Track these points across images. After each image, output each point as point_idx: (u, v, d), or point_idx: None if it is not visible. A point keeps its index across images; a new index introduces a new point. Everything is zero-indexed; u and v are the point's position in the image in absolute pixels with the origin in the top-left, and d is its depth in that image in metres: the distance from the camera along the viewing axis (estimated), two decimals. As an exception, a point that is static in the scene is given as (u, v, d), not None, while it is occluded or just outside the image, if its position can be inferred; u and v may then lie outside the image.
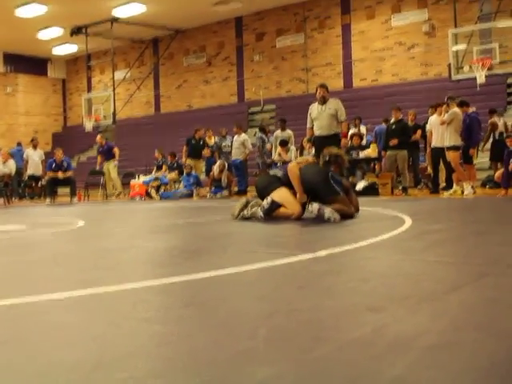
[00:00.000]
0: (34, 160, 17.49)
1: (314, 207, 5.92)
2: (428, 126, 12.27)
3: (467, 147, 11.38)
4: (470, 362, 1.64)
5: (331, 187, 6.27)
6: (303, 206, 6.36)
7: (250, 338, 1.92)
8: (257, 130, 17.43)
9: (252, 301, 2.51)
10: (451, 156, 11.17)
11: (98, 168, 17.71)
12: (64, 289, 2.89)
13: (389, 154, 12.42)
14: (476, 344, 1.78)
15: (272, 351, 1.78)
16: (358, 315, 2.18)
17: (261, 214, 6.22)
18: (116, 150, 17.34)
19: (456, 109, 11.23)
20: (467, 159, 11.48)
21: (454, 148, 11.14)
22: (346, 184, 6.70)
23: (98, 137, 18.17)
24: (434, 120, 11.93)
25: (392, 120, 12.79)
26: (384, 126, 13.90)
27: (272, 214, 6.26)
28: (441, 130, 11.48)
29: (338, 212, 5.98)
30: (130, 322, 2.21)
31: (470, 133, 11.41)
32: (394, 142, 12.23)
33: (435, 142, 11.81)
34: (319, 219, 6.02)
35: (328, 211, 5.87)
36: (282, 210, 6.33)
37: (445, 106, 11.26)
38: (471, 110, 11.79)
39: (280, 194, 6.40)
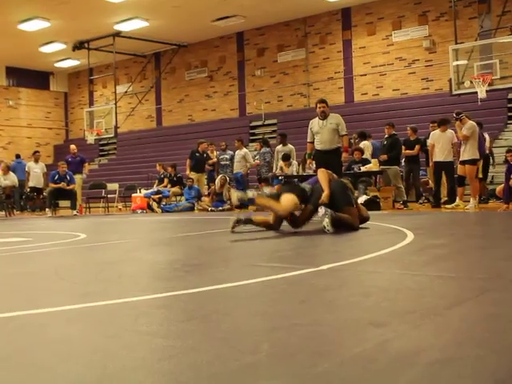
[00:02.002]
0: (36, 172, 17.45)
1: (322, 210, 6.21)
2: (430, 141, 12.28)
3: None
4: (472, 378, 1.63)
5: (347, 197, 6.65)
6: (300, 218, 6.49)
7: (252, 352, 1.91)
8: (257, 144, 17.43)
9: (254, 315, 2.51)
10: (468, 170, 11.14)
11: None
12: (66, 301, 2.88)
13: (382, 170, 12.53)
14: (478, 360, 1.78)
15: (274, 366, 1.77)
16: (360, 330, 2.17)
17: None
18: (86, 165, 17.15)
19: (473, 122, 11.28)
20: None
21: (472, 162, 11.14)
22: (354, 197, 7.19)
23: (73, 146, 17.83)
24: (437, 135, 11.95)
25: (385, 136, 12.90)
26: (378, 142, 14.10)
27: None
28: (444, 144, 11.58)
29: (346, 221, 6.33)
30: (131, 335, 2.21)
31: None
32: (383, 157, 12.48)
33: (438, 156, 11.83)
34: (320, 232, 6.09)
35: (327, 221, 6.11)
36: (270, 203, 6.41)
37: (458, 122, 11.28)
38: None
39: (286, 197, 6.43)
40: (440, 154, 11.79)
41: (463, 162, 11.23)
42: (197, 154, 15.86)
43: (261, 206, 6.35)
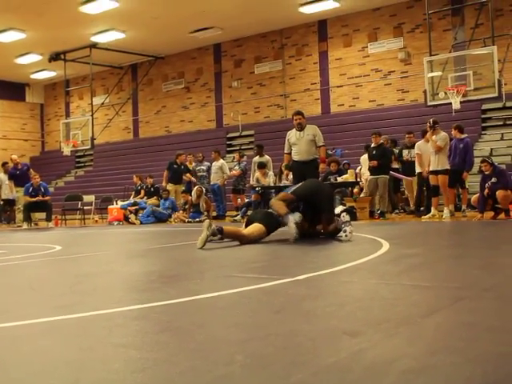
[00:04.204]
0: (7, 184, 16.92)
1: (346, 217, 6.49)
2: (416, 151, 12.29)
3: (461, 172, 11.59)
4: (446, 386, 1.64)
5: (332, 205, 6.83)
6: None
7: (226, 363, 1.90)
8: (235, 155, 17.47)
9: (229, 326, 2.50)
10: (442, 179, 11.27)
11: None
12: (39, 314, 2.85)
13: (370, 179, 12.53)
14: (452, 368, 1.78)
15: (249, 377, 1.77)
16: (335, 340, 2.17)
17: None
18: (32, 171, 16.34)
19: (445, 133, 11.44)
20: (455, 183, 11.70)
21: (444, 171, 11.28)
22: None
23: (14, 156, 16.89)
24: (423, 145, 12.02)
25: (372, 145, 12.85)
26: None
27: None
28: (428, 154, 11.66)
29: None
30: (105, 347, 2.19)
31: (464, 157, 11.64)
32: (373, 163, 12.37)
33: (424, 167, 11.88)
34: (297, 243, 6.11)
35: (349, 229, 6.34)
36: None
37: (431, 131, 11.38)
38: (464, 135, 12.00)
39: (255, 225, 6.64)
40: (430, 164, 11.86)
41: (436, 172, 11.35)
42: (174, 166, 15.85)
43: (229, 235, 6.48)
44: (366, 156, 13.58)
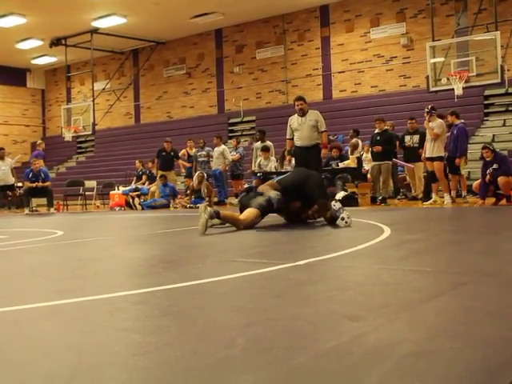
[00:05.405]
0: (4, 170, 16.67)
1: (338, 204, 6.52)
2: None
3: (454, 158, 11.53)
4: (446, 371, 1.64)
5: (324, 191, 7.02)
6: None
7: (227, 347, 1.91)
8: (232, 141, 17.53)
9: (230, 310, 2.50)
10: (437, 166, 11.26)
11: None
12: (41, 298, 2.86)
13: (373, 165, 12.50)
14: (453, 352, 1.79)
15: (250, 360, 1.77)
16: (336, 324, 2.18)
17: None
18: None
19: (441, 120, 11.38)
20: (455, 169, 11.64)
21: (440, 158, 11.27)
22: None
23: (44, 144, 17.34)
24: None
25: (376, 131, 12.77)
26: None
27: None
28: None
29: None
30: (107, 331, 2.20)
31: (457, 143, 11.59)
32: (377, 148, 12.30)
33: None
34: (297, 228, 6.12)
35: (345, 215, 6.39)
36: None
37: (428, 117, 11.31)
38: (459, 121, 11.93)
39: (249, 210, 6.69)
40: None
41: (431, 159, 11.34)
42: (163, 153, 15.97)
43: (226, 219, 6.56)
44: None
